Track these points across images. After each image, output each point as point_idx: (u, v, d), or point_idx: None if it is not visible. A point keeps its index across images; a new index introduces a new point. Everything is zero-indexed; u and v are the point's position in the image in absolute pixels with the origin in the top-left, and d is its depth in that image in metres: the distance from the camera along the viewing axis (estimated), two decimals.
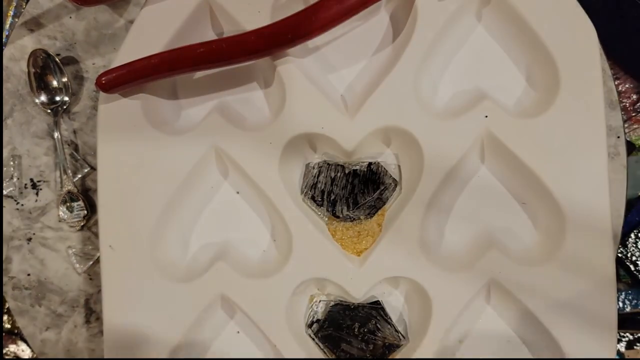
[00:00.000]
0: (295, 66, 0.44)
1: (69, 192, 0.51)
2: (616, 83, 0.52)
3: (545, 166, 0.43)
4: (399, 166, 0.47)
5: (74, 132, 0.52)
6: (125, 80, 0.43)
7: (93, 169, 0.52)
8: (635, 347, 0.52)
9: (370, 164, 0.46)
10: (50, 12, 0.53)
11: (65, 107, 0.52)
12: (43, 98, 0.51)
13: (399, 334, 0.44)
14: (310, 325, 0.45)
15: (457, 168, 0.44)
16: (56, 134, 0.51)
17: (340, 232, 0.45)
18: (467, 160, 0.44)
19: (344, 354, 0.44)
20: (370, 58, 0.47)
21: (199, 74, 0.48)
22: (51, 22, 0.53)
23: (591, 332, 0.41)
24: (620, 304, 0.52)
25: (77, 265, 0.51)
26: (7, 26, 0.55)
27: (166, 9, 0.45)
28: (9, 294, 0.51)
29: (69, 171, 0.51)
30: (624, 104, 0.54)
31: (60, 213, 0.51)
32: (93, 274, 0.51)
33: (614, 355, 0.41)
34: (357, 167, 0.45)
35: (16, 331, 0.53)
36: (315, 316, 0.45)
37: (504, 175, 0.46)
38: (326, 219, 0.46)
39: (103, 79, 0.43)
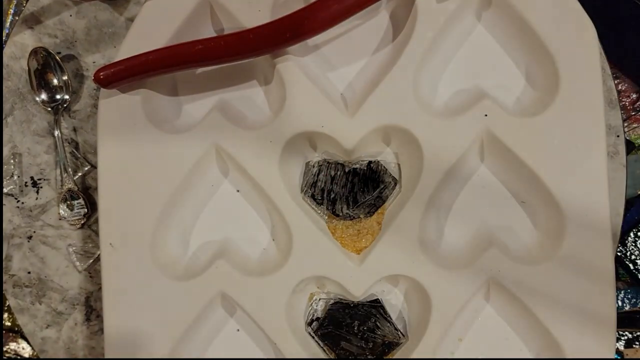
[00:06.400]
0: (295, 64, 0.44)
1: (69, 190, 0.51)
2: (616, 82, 0.52)
3: (544, 165, 0.43)
4: (398, 165, 0.47)
5: (75, 130, 0.52)
6: (123, 75, 0.43)
7: (93, 167, 0.52)
8: (634, 345, 0.53)
9: (370, 162, 0.46)
10: (50, 10, 0.53)
11: (65, 105, 0.52)
12: (43, 96, 0.52)
13: (399, 332, 0.45)
14: (310, 323, 0.45)
15: (457, 167, 0.44)
16: (56, 132, 0.51)
17: (340, 230, 0.46)
18: (466, 159, 0.45)
19: (344, 352, 0.44)
20: (370, 57, 0.47)
21: (200, 72, 0.48)
22: (51, 20, 0.53)
23: (590, 331, 0.42)
24: (620, 303, 0.52)
25: (78, 263, 0.51)
26: (7, 24, 0.55)
27: (167, 6, 0.45)
28: (10, 292, 0.51)
29: (70, 169, 0.51)
30: (623, 103, 0.54)
31: (61, 211, 0.51)
32: (93, 272, 0.51)
33: (613, 354, 0.41)
34: (357, 166, 0.46)
35: (16, 329, 0.53)
36: (315, 314, 0.45)
37: (504, 174, 0.46)
38: (326, 217, 0.46)
39: (101, 74, 0.43)
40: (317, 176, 0.46)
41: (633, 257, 0.52)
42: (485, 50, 0.47)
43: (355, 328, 0.44)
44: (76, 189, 0.51)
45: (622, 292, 0.52)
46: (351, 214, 0.45)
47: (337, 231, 0.46)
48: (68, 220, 0.51)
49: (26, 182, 0.52)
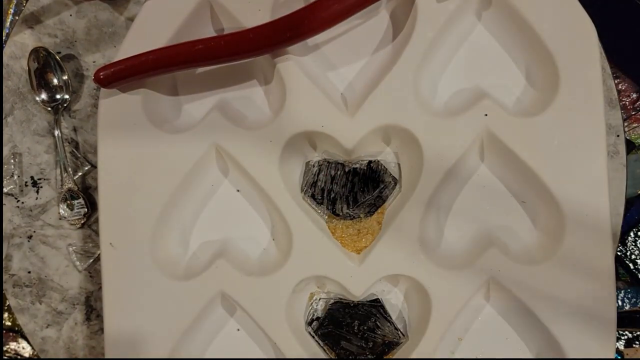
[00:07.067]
0: (295, 64, 0.44)
1: (69, 189, 0.51)
2: (616, 82, 0.52)
3: (544, 165, 0.43)
4: (398, 164, 0.47)
5: (75, 129, 0.52)
6: (123, 75, 0.43)
7: (93, 166, 0.52)
8: (634, 345, 0.53)
9: (370, 162, 0.46)
10: (50, 10, 0.53)
11: (65, 105, 0.52)
12: (43, 96, 0.52)
13: (399, 332, 0.45)
14: (310, 323, 0.45)
15: (457, 167, 0.44)
16: (57, 132, 0.51)
17: (340, 230, 0.46)
18: (466, 159, 0.45)
19: (344, 352, 0.44)
20: (370, 56, 0.47)
21: (200, 72, 0.48)
22: (51, 20, 0.53)
23: (590, 330, 0.42)
24: (620, 303, 0.52)
25: (78, 263, 0.51)
26: (7, 24, 0.55)
27: (167, 6, 0.45)
28: (10, 292, 0.51)
29: (70, 169, 0.51)
30: (623, 102, 0.54)
31: (61, 211, 0.51)
32: (93, 272, 0.51)
33: (613, 354, 0.41)
34: (357, 166, 0.46)
35: (17, 329, 0.53)
36: (315, 314, 0.45)
37: (504, 174, 0.46)
38: (326, 217, 0.46)
39: (101, 73, 0.43)
40: (317, 176, 0.46)
41: (633, 256, 0.52)
42: (485, 50, 0.47)
43: (356, 328, 0.44)
44: (76, 188, 0.51)
45: (622, 292, 0.52)
46: (351, 213, 0.45)
47: (337, 231, 0.46)
48: (68, 220, 0.51)
49: (26, 182, 0.52)
